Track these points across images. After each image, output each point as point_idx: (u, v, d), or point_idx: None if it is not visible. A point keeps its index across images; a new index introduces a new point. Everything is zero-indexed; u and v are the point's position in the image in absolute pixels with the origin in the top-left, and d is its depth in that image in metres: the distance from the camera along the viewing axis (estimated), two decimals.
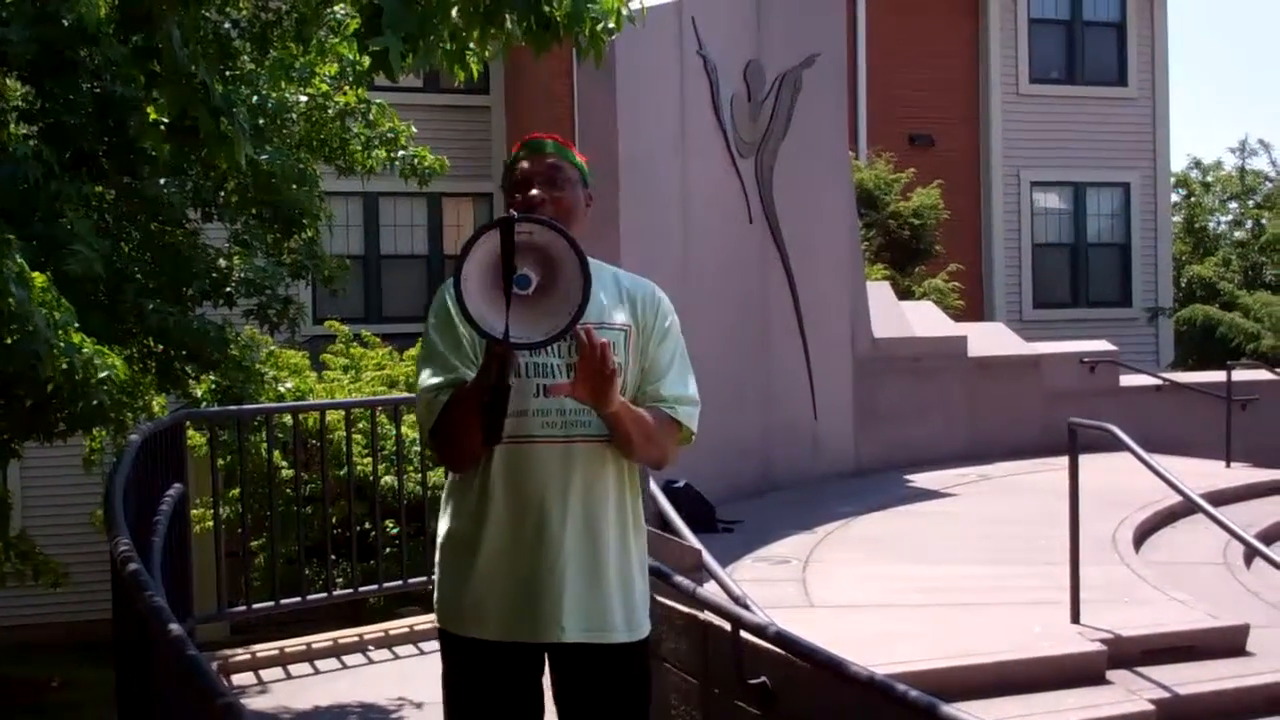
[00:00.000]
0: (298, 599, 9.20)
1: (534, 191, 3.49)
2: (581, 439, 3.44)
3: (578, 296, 3.05)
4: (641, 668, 3.65)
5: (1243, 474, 12.32)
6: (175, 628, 3.85)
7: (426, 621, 9.27)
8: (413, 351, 15.71)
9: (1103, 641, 6.62)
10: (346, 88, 11.06)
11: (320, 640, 8.90)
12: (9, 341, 6.77)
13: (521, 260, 3.04)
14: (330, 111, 11.19)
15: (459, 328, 3.42)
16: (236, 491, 12.16)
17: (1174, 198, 29.23)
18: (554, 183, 3.52)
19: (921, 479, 12.13)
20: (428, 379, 3.43)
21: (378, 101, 11.51)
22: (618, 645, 3.54)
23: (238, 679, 8.32)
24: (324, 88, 11.00)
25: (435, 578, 3.66)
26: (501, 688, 3.54)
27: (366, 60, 5.24)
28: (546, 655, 3.56)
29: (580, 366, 3.20)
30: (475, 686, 3.57)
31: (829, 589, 7.97)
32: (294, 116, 10.99)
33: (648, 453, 3.52)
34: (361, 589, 9.84)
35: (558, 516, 3.43)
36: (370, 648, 8.84)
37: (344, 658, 8.69)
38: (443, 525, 3.61)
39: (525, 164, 3.56)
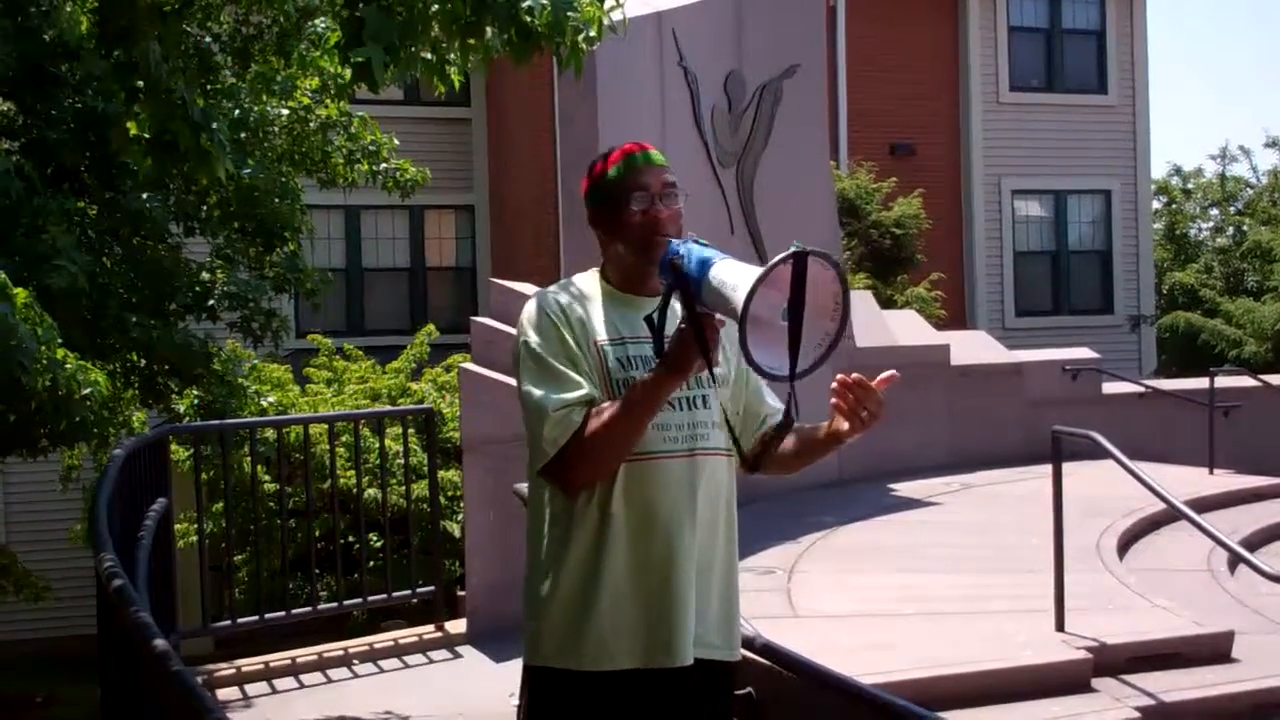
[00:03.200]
0: (282, 613, 9.17)
1: (659, 206, 3.42)
2: (703, 452, 3.37)
3: (831, 324, 3.01)
4: (730, 692, 3.55)
5: (1226, 480, 12.35)
6: (161, 643, 3.84)
7: (411, 635, 9.26)
8: (395, 364, 15.71)
9: (1088, 649, 6.64)
10: (328, 101, 11.05)
11: (305, 654, 8.87)
12: None
13: (779, 290, 2.95)
14: (312, 125, 11.18)
15: (569, 342, 3.33)
16: (220, 506, 12.12)
17: (1155, 205, 29.32)
18: (671, 197, 3.45)
19: (905, 488, 12.13)
20: (554, 397, 3.26)
21: (359, 114, 11.50)
22: (713, 663, 3.43)
23: (222, 694, 8.29)
24: (305, 101, 10.99)
25: (538, 615, 3.41)
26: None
27: (348, 73, 5.24)
28: (667, 681, 3.37)
29: (870, 416, 3.20)
30: None
31: (813, 599, 7.97)
32: (276, 130, 10.99)
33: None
34: (346, 603, 9.82)
35: (687, 533, 3.32)
36: (355, 662, 8.82)
37: (329, 672, 8.66)
38: (547, 555, 3.41)
39: (644, 177, 3.45)
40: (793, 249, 2.94)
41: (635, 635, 3.32)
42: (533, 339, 3.36)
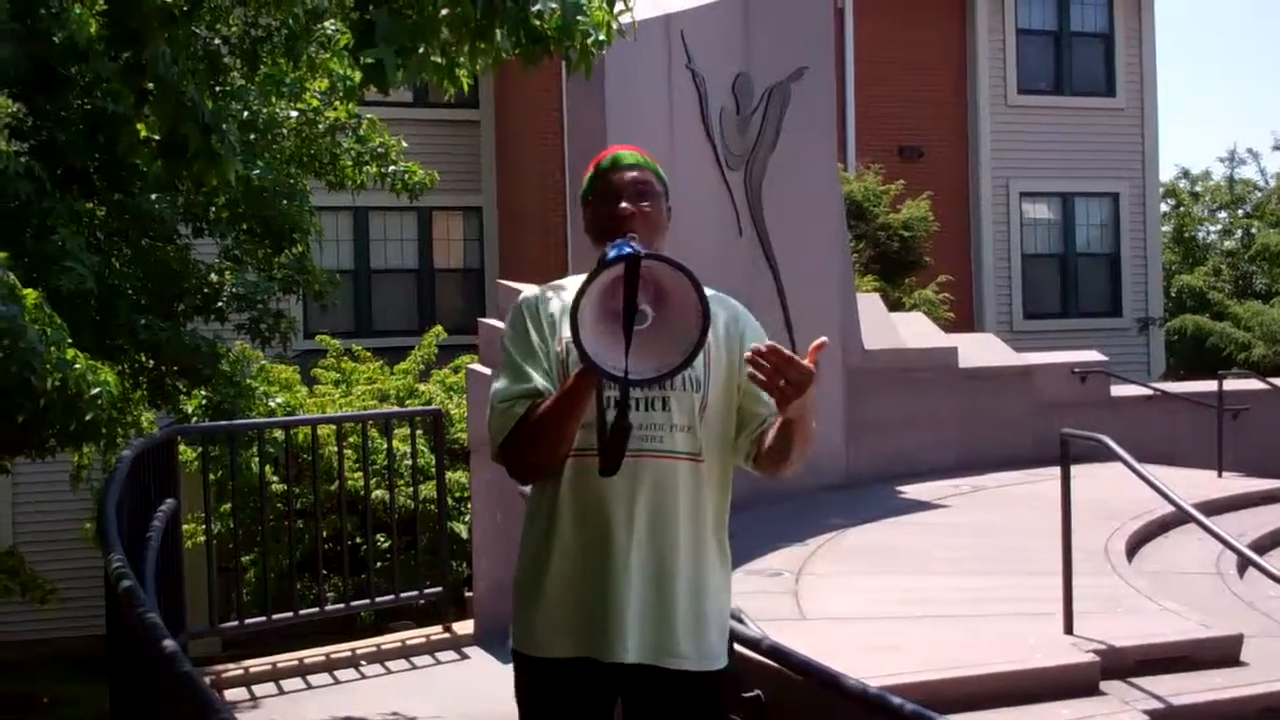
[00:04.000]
0: (289, 614, 9.19)
1: (623, 205, 3.44)
2: (652, 454, 3.34)
3: (694, 333, 2.98)
4: (711, 703, 3.54)
5: (1235, 483, 12.32)
6: (169, 643, 3.84)
7: (418, 636, 9.27)
8: (403, 365, 15.74)
9: (1096, 652, 6.62)
10: (337, 103, 11.06)
11: (313, 655, 8.89)
12: (0, 356, 6.75)
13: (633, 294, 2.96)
14: (321, 126, 11.19)
15: (533, 337, 3.39)
16: (228, 506, 12.14)
17: (1163, 207, 29.29)
18: (641, 196, 3.47)
19: (913, 490, 12.12)
20: (502, 390, 3.35)
21: (368, 116, 11.51)
22: (686, 673, 3.43)
23: (230, 694, 8.31)
24: (314, 103, 10.99)
25: (512, 600, 3.54)
26: (575, 708, 3.44)
27: (357, 74, 5.26)
28: (618, 677, 3.42)
29: (790, 385, 3.06)
30: (549, 708, 3.46)
31: (821, 601, 7.96)
32: (284, 132, 10.99)
33: (796, 466, 3.42)
34: (353, 603, 9.83)
35: (623, 532, 3.34)
36: (362, 662, 8.83)
37: (336, 672, 8.68)
38: (520, 544, 3.52)
39: (611, 177, 3.50)
40: (626, 251, 2.99)
41: (576, 625, 3.39)
42: (506, 333, 3.48)
